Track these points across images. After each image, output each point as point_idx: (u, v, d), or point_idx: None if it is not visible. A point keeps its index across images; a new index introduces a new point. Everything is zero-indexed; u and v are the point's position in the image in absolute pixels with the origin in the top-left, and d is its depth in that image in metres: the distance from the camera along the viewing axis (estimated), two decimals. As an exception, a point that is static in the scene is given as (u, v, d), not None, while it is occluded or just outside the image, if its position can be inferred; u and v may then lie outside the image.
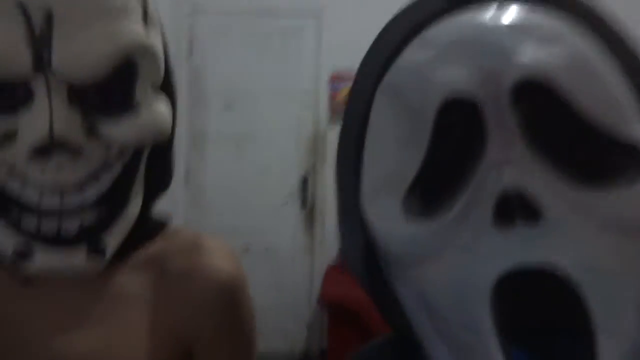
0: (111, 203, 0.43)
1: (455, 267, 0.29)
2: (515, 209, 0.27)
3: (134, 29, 0.41)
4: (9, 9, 0.36)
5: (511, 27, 0.30)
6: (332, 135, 2.84)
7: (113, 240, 0.43)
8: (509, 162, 0.28)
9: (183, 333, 0.47)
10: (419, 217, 0.31)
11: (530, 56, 0.29)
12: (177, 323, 0.47)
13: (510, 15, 0.31)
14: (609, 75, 0.30)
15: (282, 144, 2.85)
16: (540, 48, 0.29)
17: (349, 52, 2.71)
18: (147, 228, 0.50)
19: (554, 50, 0.29)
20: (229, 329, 0.49)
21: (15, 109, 0.38)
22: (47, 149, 0.37)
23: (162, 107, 0.46)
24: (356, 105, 0.37)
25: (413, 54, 0.33)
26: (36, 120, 0.37)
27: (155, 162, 0.50)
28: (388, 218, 0.32)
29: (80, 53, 0.38)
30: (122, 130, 0.41)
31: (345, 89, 2.84)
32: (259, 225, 2.84)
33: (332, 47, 2.82)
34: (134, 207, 0.46)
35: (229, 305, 0.49)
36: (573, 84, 0.29)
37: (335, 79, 2.84)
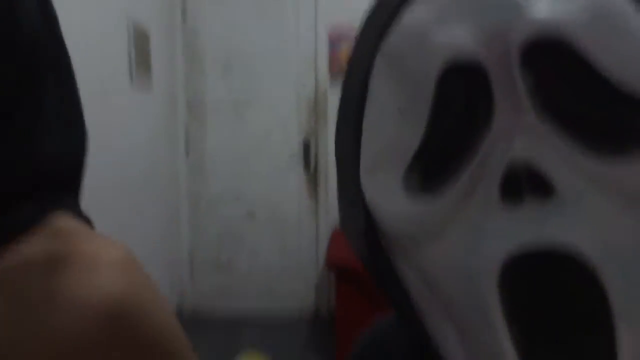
0: None
1: (460, 247, 0.27)
2: (524, 184, 0.25)
3: None
4: None
5: None
6: (333, 96, 2.79)
7: None
8: (518, 131, 0.26)
9: None
10: (420, 194, 0.29)
11: (545, 9, 0.25)
12: None
13: None
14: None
15: (282, 107, 2.81)
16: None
17: (347, 8, 2.67)
18: (6, 225, 0.34)
19: (575, 1, 0.25)
20: None
21: None
22: None
23: None
24: (355, 72, 0.34)
25: (413, 14, 0.30)
26: None
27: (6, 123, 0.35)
28: (387, 194, 0.30)
29: None
30: None
31: (345, 49, 2.76)
32: (263, 191, 2.84)
33: (329, 4, 2.73)
34: None
35: (107, 340, 0.32)
36: (596, 41, 0.25)
37: (334, 37, 2.77)
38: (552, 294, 0.25)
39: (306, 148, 2.83)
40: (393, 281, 0.33)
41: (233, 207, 2.86)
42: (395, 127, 0.30)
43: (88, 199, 0.42)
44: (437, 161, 0.29)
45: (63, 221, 0.36)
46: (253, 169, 2.84)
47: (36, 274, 0.32)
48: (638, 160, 0.25)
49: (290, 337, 2.63)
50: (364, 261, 0.35)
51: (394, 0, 0.32)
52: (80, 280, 0.33)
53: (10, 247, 0.33)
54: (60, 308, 0.32)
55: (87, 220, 0.40)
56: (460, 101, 0.28)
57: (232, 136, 2.84)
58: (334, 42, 2.78)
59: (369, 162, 0.32)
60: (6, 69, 0.35)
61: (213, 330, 2.69)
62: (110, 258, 0.34)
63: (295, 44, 2.79)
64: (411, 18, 0.30)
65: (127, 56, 2.10)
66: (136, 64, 2.16)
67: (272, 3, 2.78)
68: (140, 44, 2.21)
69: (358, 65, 0.34)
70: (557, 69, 0.26)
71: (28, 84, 0.37)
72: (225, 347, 2.47)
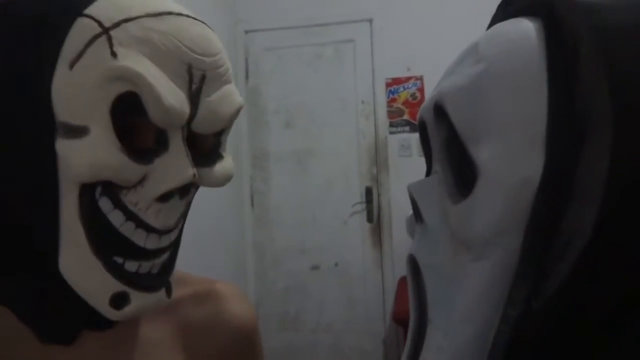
0: (177, 243, 0.46)
1: None
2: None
3: (237, 90, 0.46)
4: (179, 68, 0.39)
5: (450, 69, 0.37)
6: (394, 142, 2.77)
7: (172, 277, 0.46)
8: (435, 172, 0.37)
9: None
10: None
11: (446, 82, 0.35)
12: None
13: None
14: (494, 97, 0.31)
15: (343, 157, 2.83)
16: (445, 80, 0.35)
17: (402, 55, 2.69)
18: None
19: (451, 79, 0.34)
20: None
21: (150, 156, 0.40)
22: (172, 193, 0.40)
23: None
24: None
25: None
26: (175, 166, 0.40)
27: None
28: None
29: (214, 110, 0.42)
30: (213, 176, 0.45)
31: (404, 93, 2.77)
32: (327, 242, 2.82)
33: (385, 54, 2.78)
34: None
35: (247, 345, 0.54)
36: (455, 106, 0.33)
37: (392, 85, 2.79)
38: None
39: (368, 197, 2.80)
40: None
41: (298, 260, 2.84)
42: None
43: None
44: None
45: (176, 271, 0.52)
46: (316, 220, 2.84)
47: (195, 305, 0.51)
48: None
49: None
50: None
51: None
52: (228, 309, 0.52)
53: None
54: (217, 329, 0.51)
55: None
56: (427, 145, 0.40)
57: (295, 188, 2.87)
58: (391, 90, 2.79)
59: None
60: None
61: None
62: (236, 292, 0.55)
63: (353, 95, 2.84)
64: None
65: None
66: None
67: (329, 58, 2.87)
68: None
69: None
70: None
71: None
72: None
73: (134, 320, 0.47)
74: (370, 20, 2.81)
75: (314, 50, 2.87)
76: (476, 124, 0.31)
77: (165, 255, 0.43)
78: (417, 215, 0.37)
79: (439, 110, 0.34)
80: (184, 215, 0.45)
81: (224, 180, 0.46)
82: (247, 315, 0.54)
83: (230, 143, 0.50)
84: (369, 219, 2.80)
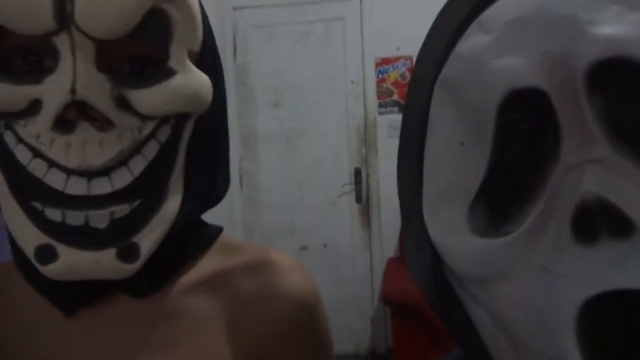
0: (145, 194, 0.37)
1: (532, 289, 0.25)
2: (599, 220, 0.23)
3: None
4: None
5: None
6: (383, 123, 2.76)
7: (147, 240, 0.37)
8: (589, 162, 0.23)
9: (262, 353, 0.44)
10: (486, 232, 0.28)
11: (611, 28, 0.23)
12: (256, 343, 0.44)
13: None
14: None
15: (332, 138, 2.81)
16: (625, 15, 0.23)
17: (393, 35, 2.66)
18: (200, 238, 0.46)
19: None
20: (309, 346, 0.46)
21: (41, 75, 0.34)
22: (70, 119, 0.33)
23: (202, 76, 0.40)
24: (415, 104, 0.33)
25: (470, 41, 0.28)
26: (59, 83, 0.33)
27: (204, 162, 0.44)
28: (452, 233, 0.29)
29: (96, 2, 0.34)
30: (153, 97, 0.36)
31: (393, 73, 2.74)
32: (316, 222, 2.82)
33: (375, 33, 2.74)
34: (172, 203, 0.39)
35: (308, 322, 0.46)
36: None
37: (381, 65, 2.76)
38: (633, 335, 0.23)
39: (357, 177, 2.80)
40: (461, 319, 0.31)
41: (287, 240, 2.85)
42: (457, 160, 0.29)
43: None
44: (503, 196, 0.27)
45: (229, 238, 0.48)
46: (305, 200, 2.83)
47: (248, 275, 0.44)
48: None
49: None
50: (430, 298, 0.33)
51: (452, 25, 0.31)
52: (285, 280, 0.45)
53: (209, 256, 0.45)
54: (273, 301, 0.44)
55: None
56: (525, 132, 0.26)
57: (284, 168, 2.86)
58: (381, 70, 2.77)
59: (432, 199, 0.30)
60: (218, 133, 0.48)
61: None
62: (297, 263, 0.48)
63: (342, 74, 2.81)
64: (469, 44, 0.28)
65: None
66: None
67: (318, 36, 2.83)
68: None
69: (417, 96, 0.33)
70: (628, 92, 0.23)
71: (225, 139, 0.51)
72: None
73: (175, 290, 0.42)
74: (360, -2, 2.77)
75: (304, 28, 2.82)
76: None
77: (119, 207, 0.36)
78: (616, 225, 0.23)
79: (620, 66, 0.23)
80: (128, 153, 0.36)
81: (169, 104, 0.37)
82: (307, 289, 0.46)
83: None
84: (358, 199, 2.80)
